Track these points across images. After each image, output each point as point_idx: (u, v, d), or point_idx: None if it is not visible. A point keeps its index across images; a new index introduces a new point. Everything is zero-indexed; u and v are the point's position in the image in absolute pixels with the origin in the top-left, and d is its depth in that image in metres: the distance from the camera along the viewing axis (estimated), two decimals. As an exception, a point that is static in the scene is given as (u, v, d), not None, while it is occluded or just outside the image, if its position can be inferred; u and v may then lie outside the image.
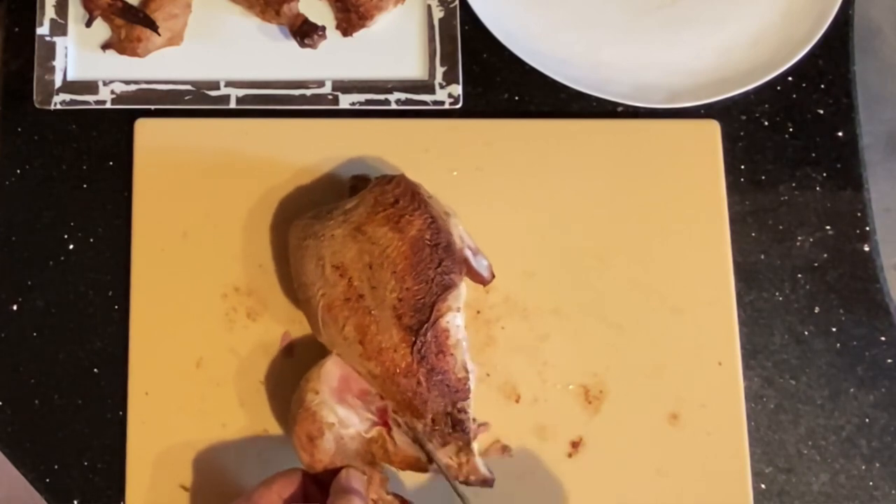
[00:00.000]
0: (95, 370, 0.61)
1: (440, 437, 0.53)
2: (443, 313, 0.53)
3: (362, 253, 0.53)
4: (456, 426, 0.53)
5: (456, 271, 0.54)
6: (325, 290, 0.53)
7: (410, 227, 0.54)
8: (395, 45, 0.66)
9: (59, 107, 0.64)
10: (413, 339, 0.52)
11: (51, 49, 0.64)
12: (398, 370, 0.52)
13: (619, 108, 0.66)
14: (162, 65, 0.65)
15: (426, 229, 0.54)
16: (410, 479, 0.58)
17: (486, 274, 0.58)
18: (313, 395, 0.53)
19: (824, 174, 0.65)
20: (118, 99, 0.64)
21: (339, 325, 0.53)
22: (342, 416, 0.53)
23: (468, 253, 0.56)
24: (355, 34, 0.65)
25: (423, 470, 0.55)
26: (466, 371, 0.54)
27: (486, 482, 0.55)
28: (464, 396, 0.53)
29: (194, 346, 0.60)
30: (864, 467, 0.61)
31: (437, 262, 0.53)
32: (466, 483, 0.54)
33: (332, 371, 0.54)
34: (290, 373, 0.60)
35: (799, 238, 0.64)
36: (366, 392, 0.55)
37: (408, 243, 0.53)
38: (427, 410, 0.53)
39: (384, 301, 0.52)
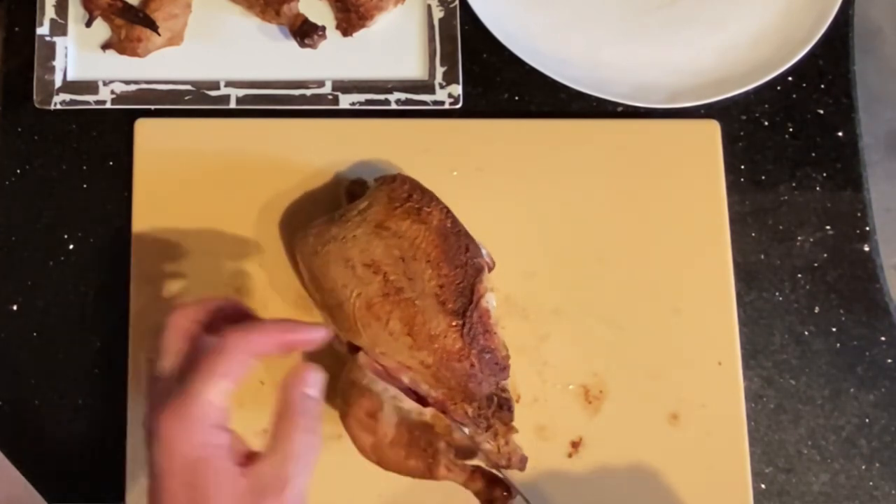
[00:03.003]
0: (95, 370, 0.61)
1: (485, 420, 0.54)
2: (482, 294, 0.54)
3: (391, 248, 0.53)
4: (503, 405, 0.54)
5: (480, 254, 0.55)
6: (360, 290, 0.53)
7: (432, 218, 0.54)
8: (395, 45, 0.66)
9: (59, 107, 0.64)
10: (461, 322, 0.52)
11: (51, 49, 0.64)
12: (451, 355, 0.52)
13: (619, 108, 0.66)
14: (162, 65, 0.65)
15: (446, 218, 0.55)
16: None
17: (488, 262, 0.58)
18: (360, 375, 0.53)
19: (824, 174, 0.65)
20: (118, 99, 0.64)
21: (383, 321, 0.53)
22: (394, 394, 0.53)
23: None
24: (355, 34, 0.65)
25: (473, 455, 0.54)
26: (507, 349, 0.55)
27: (523, 462, 0.55)
28: (506, 375, 0.54)
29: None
30: (864, 467, 0.61)
31: (464, 247, 0.54)
32: (508, 466, 0.54)
33: (368, 363, 0.54)
34: (290, 373, 0.60)
35: (799, 238, 0.64)
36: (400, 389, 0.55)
37: (434, 232, 0.54)
38: (481, 391, 0.53)
39: (424, 290, 0.53)
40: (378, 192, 0.56)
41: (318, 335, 0.48)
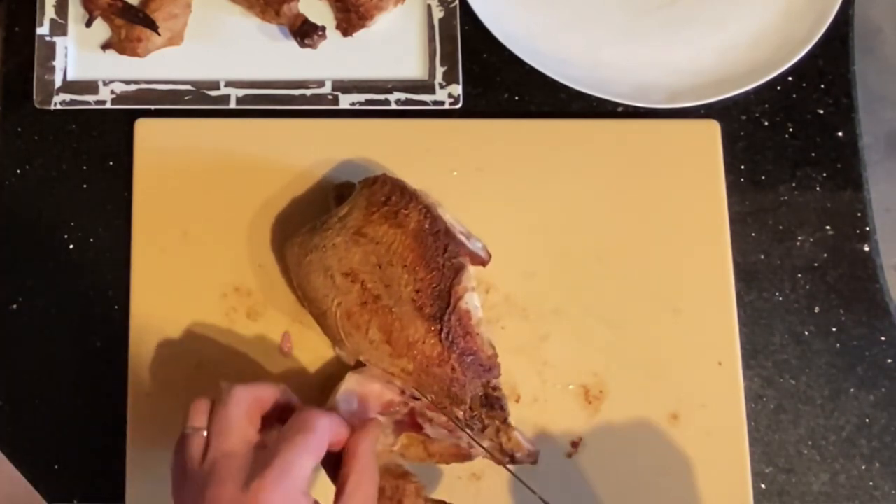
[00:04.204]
0: (95, 370, 0.61)
1: (479, 421, 0.54)
2: (461, 295, 0.53)
3: (368, 254, 0.53)
4: (494, 405, 0.54)
5: (461, 253, 0.55)
6: (339, 300, 0.53)
7: (409, 221, 0.54)
8: (395, 45, 0.66)
9: (59, 107, 0.64)
10: (439, 326, 0.52)
11: (51, 49, 0.64)
12: (431, 361, 0.52)
13: (619, 108, 0.66)
14: (162, 65, 0.65)
15: (424, 219, 0.54)
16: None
17: (482, 255, 0.58)
18: None
19: (824, 174, 0.65)
20: (118, 99, 0.64)
21: (363, 329, 0.53)
22: None
23: (461, 237, 0.57)
24: (355, 34, 0.65)
25: (468, 458, 0.55)
26: (493, 348, 0.54)
27: (532, 456, 0.55)
28: (496, 374, 0.54)
29: (194, 347, 0.60)
30: (864, 467, 0.61)
31: (442, 248, 0.54)
32: (512, 462, 0.55)
33: (347, 397, 0.54)
34: (291, 373, 0.60)
35: (799, 238, 0.64)
36: (389, 404, 0.55)
37: (411, 236, 0.54)
38: (466, 394, 0.53)
39: (401, 297, 0.53)
40: (358, 197, 0.56)
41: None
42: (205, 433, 0.49)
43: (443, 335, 0.52)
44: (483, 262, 0.59)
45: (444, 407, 0.53)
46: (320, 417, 0.48)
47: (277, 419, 0.51)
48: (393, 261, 0.53)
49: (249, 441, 0.48)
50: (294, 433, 0.47)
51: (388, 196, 0.55)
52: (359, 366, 0.56)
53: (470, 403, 0.54)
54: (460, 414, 0.53)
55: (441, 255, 0.54)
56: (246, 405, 0.50)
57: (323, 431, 0.48)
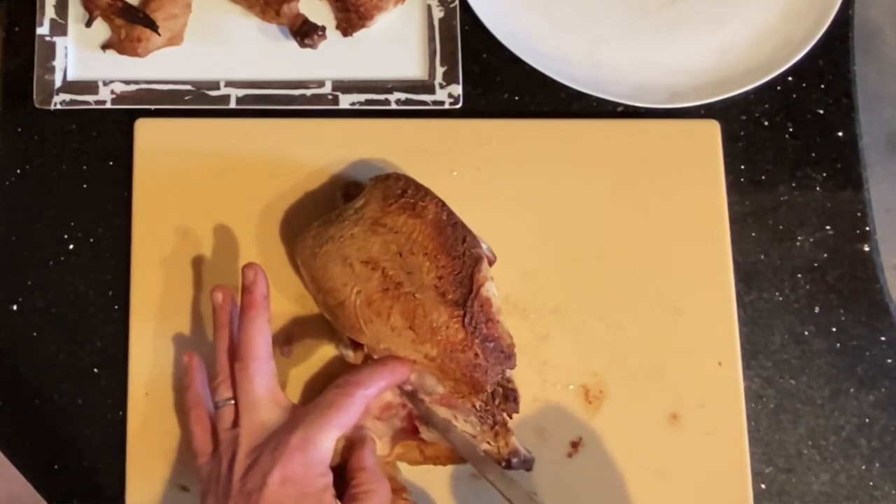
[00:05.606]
0: (95, 370, 0.61)
1: (491, 416, 0.54)
2: (482, 283, 0.53)
3: (388, 243, 0.54)
4: (508, 396, 0.55)
5: (478, 244, 0.55)
6: (359, 287, 0.53)
7: (427, 212, 0.54)
8: (395, 45, 0.66)
9: (59, 107, 0.64)
10: (462, 312, 0.52)
11: (51, 49, 0.64)
12: (454, 346, 0.52)
13: (619, 108, 0.66)
14: (162, 65, 0.65)
15: (441, 211, 0.55)
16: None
17: (489, 255, 0.59)
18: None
19: (824, 174, 0.65)
20: (118, 99, 0.64)
21: (384, 316, 0.53)
22: None
23: None
24: (355, 34, 0.65)
25: (463, 460, 0.55)
26: (511, 337, 0.55)
27: (528, 463, 0.55)
28: (513, 363, 0.54)
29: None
30: (864, 467, 0.61)
31: (461, 237, 0.54)
32: (508, 467, 0.55)
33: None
34: (291, 373, 0.60)
35: (799, 238, 0.64)
36: (388, 406, 0.55)
37: (430, 225, 0.54)
38: (487, 381, 0.53)
39: (423, 283, 0.53)
40: (373, 191, 0.56)
41: (409, 370, 0.54)
42: (233, 402, 0.53)
43: (466, 320, 0.52)
44: (490, 263, 0.59)
45: (462, 396, 0.53)
46: (355, 391, 0.51)
47: None
48: (414, 249, 0.53)
49: (279, 404, 0.53)
50: (326, 408, 0.51)
51: (403, 189, 0.55)
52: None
53: (485, 395, 0.54)
54: (478, 404, 0.54)
55: (461, 244, 0.54)
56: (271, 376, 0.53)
57: (355, 407, 0.51)
